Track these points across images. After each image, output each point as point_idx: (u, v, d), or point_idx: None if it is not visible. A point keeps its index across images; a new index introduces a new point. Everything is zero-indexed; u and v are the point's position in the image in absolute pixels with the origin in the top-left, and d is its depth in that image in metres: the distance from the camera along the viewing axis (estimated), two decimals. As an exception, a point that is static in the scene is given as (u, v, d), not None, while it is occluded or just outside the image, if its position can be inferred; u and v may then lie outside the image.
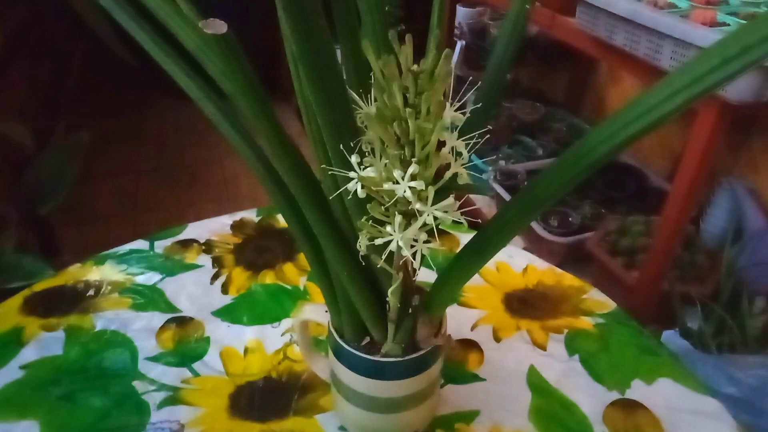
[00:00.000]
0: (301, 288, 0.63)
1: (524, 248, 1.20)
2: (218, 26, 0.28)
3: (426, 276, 0.42)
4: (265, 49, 2.26)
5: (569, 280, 0.64)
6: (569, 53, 1.62)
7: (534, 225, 1.34)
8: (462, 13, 1.90)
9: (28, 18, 1.68)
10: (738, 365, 0.98)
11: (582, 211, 1.40)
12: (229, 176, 1.97)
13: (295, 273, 0.65)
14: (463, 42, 1.82)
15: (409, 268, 0.35)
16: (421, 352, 0.41)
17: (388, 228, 0.29)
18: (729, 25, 0.86)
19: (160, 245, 0.68)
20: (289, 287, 0.63)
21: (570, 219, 1.38)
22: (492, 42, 1.80)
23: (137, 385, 0.52)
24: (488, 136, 0.28)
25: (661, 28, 0.88)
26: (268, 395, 0.51)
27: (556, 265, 0.66)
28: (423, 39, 0.31)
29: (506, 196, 1.45)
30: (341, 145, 0.28)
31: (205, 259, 0.67)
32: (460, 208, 0.29)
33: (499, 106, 1.69)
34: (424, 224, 0.28)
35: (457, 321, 0.58)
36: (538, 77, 1.93)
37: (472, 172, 0.30)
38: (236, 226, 0.72)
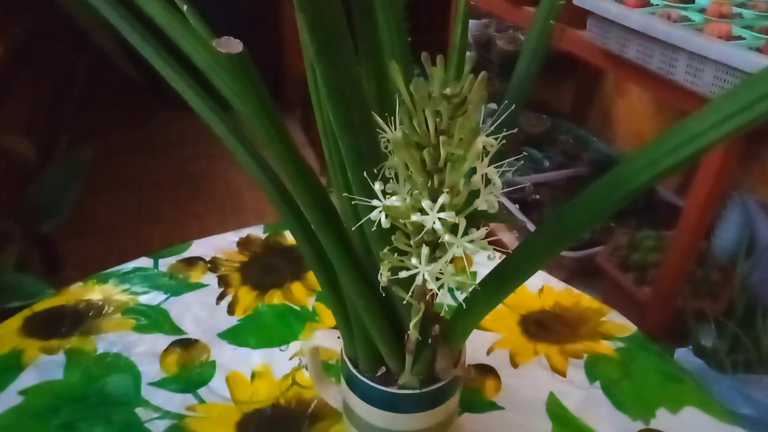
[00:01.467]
0: (310, 309, 0.61)
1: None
2: (233, 45, 0.27)
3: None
4: (268, 58, 2.25)
5: (587, 301, 0.62)
6: (575, 64, 1.60)
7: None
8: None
9: (32, 31, 1.67)
10: (754, 385, 0.96)
11: (591, 224, 1.38)
12: (233, 188, 1.96)
13: (304, 293, 0.63)
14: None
15: (430, 300, 0.33)
16: (440, 384, 0.39)
17: (413, 260, 0.27)
18: (745, 38, 0.84)
19: (165, 263, 0.66)
20: (297, 308, 0.61)
21: (579, 233, 1.36)
22: (498, 53, 1.79)
23: (140, 412, 0.50)
24: (521, 161, 0.26)
25: (676, 42, 0.86)
26: (277, 424, 0.49)
27: (565, 280, 0.64)
28: (430, 51, 0.29)
29: (512, 209, 1.43)
30: (365, 173, 0.27)
31: (211, 278, 0.65)
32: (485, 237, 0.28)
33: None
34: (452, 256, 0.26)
35: (473, 344, 0.56)
36: (544, 88, 1.91)
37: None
38: (242, 244, 0.70)
